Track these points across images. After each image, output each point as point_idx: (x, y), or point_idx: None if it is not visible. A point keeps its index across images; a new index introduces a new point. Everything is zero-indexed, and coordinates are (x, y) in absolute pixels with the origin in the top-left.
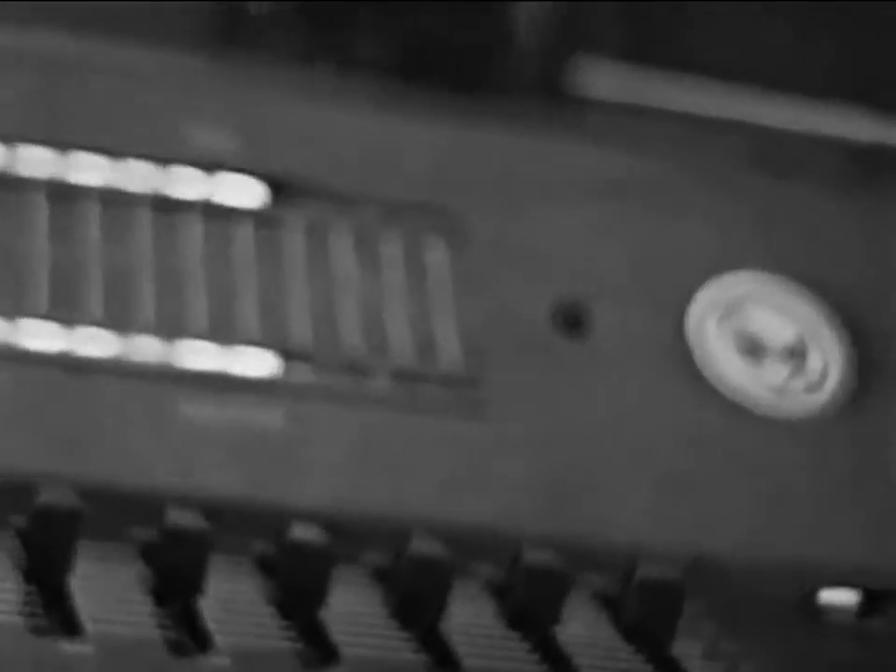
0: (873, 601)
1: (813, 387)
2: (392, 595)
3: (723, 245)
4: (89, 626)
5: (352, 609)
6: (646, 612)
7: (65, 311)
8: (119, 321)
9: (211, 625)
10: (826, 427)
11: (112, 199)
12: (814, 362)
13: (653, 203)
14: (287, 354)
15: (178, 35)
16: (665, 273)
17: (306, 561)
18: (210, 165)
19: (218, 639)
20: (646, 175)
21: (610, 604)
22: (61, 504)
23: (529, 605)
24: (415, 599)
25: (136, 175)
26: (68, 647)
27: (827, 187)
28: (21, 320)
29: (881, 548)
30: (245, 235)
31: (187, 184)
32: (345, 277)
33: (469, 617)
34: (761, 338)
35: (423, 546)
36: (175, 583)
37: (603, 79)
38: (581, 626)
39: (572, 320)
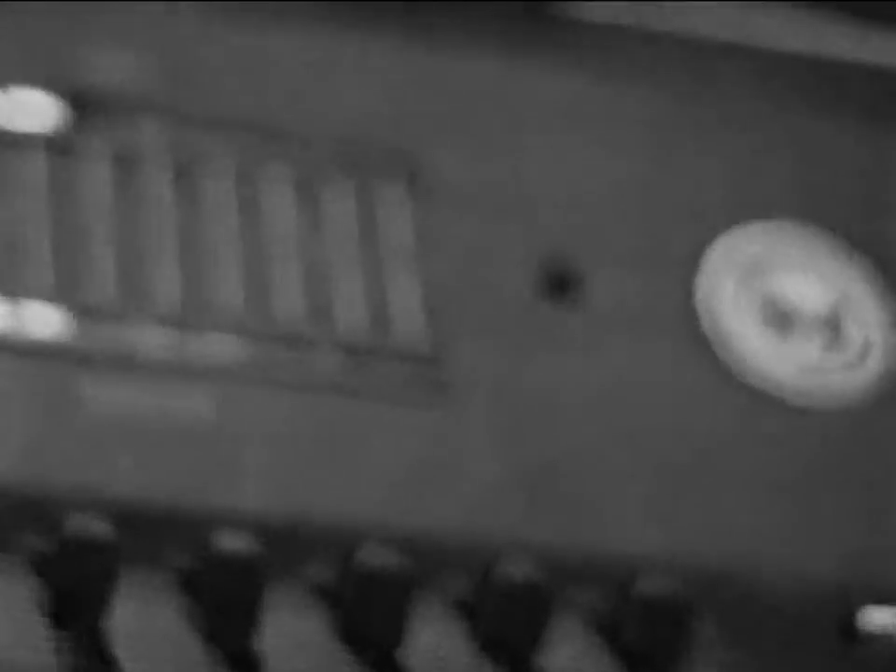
0: None
1: (852, 366)
2: (340, 616)
3: (743, 191)
4: None
5: (292, 632)
6: (646, 636)
7: None
8: (14, 288)
9: (120, 652)
10: (867, 415)
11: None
12: (853, 335)
13: (657, 140)
14: (214, 327)
15: None
16: (671, 224)
17: (235, 576)
18: (116, 98)
19: (128, 668)
20: (648, 108)
21: (603, 626)
22: None
23: (505, 626)
24: (368, 620)
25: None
26: None
27: (870, 121)
28: None
29: None
30: (157, 180)
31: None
32: (282, 232)
33: (434, 640)
34: (788, 305)
35: (376, 556)
36: (76, 603)
37: None
38: (567, 652)
39: (559, 284)
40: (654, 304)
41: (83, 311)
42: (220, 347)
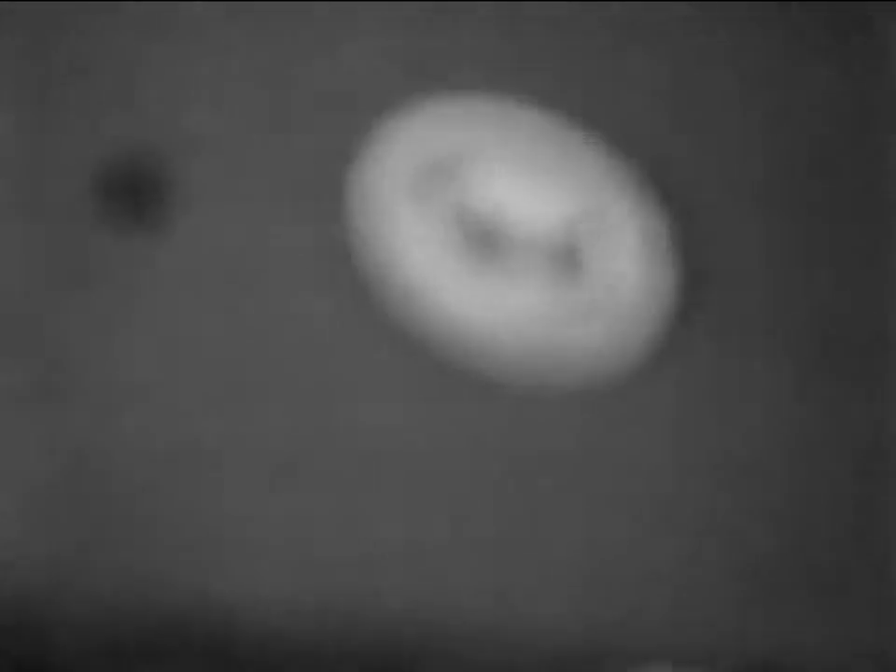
0: None
1: (598, 315)
2: None
3: (417, 58)
4: None
5: None
6: None
7: None
8: None
9: None
10: (622, 396)
11: None
12: (599, 269)
13: None
14: None
15: None
16: (309, 114)
17: None
18: None
19: None
20: None
21: None
22: None
23: None
24: None
25: None
26: None
27: None
28: None
29: (713, 606)
30: None
31: None
32: None
33: None
34: (500, 225)
35: None
36: None
37: None
38: None
39: (141, 193)
40: (281, 231)
41: None
42: None
